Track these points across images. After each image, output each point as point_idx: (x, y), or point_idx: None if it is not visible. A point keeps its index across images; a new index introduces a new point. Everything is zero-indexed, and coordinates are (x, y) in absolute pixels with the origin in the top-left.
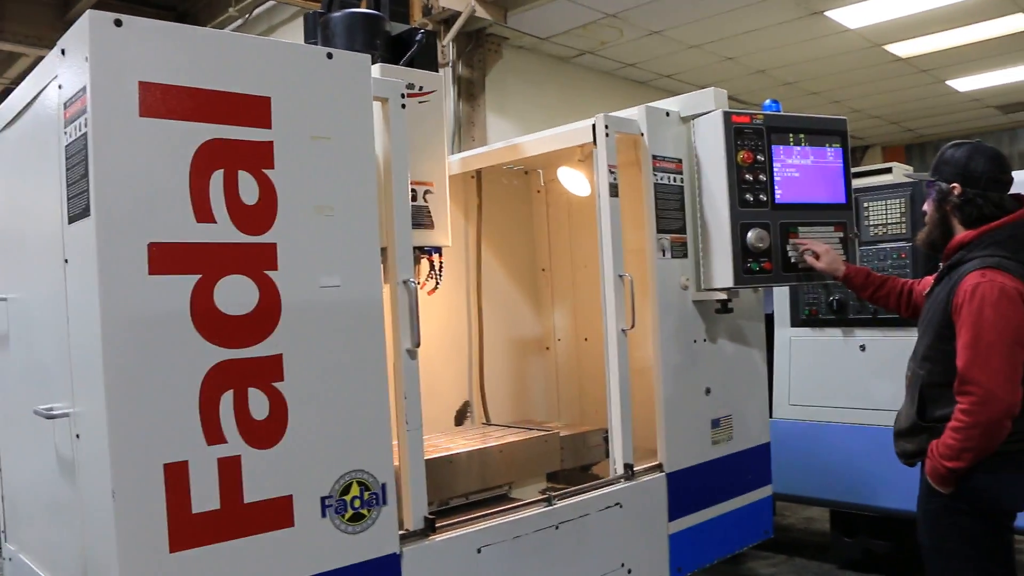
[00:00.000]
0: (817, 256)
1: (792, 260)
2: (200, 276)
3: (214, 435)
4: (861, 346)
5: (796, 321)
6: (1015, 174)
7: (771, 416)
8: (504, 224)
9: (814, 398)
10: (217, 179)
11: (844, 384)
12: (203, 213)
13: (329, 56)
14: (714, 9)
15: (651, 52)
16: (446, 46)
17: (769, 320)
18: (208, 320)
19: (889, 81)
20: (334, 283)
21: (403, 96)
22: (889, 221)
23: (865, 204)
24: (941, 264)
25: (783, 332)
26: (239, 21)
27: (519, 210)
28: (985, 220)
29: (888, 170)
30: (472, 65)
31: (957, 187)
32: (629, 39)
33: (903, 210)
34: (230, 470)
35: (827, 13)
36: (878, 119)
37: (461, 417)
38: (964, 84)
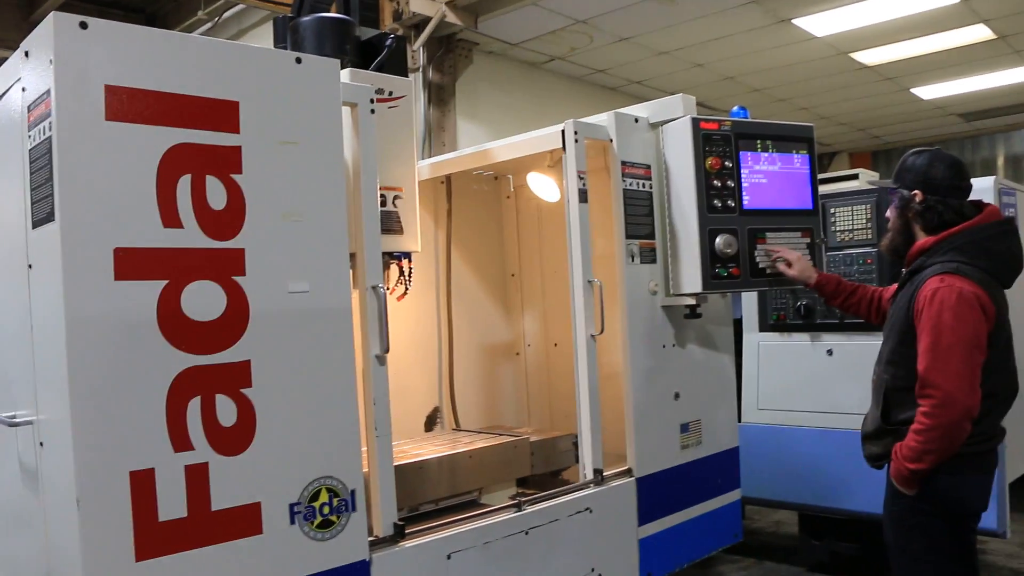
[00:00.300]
0: (789, 264)
1: (762, 267)
2: (167, 282)
3: (181, 442)
4: (828, 351)
5: (764, 326)
6: (975, 181)
7: (740, 420)
8: (474, 229)
9: (782, 402)
10: (184, 184)
11: (812, 388)
12: (170, 218)
13: (298, 61)
14: (683, 16)
15: (620, 58)
16: (416, 51)
17: (738, 325)
18: (175, 326)
19: (855, 88)
20: (302, 289)
21: (372, 101)
22: (855, 227)
23: (832, 210)
24: (904, 270)
25: (751, 337)
26: (208, 24)
27: (489, 215)
28: (946, 226)
29: (855, 176)
30: (442, 70)
31: (918, 194)
32: (599, 45)
33: (869, 216)
34: (197, 477)
35: (794, 21)
36: (845, 126)
37: (431, 423)
38: (928, 92)
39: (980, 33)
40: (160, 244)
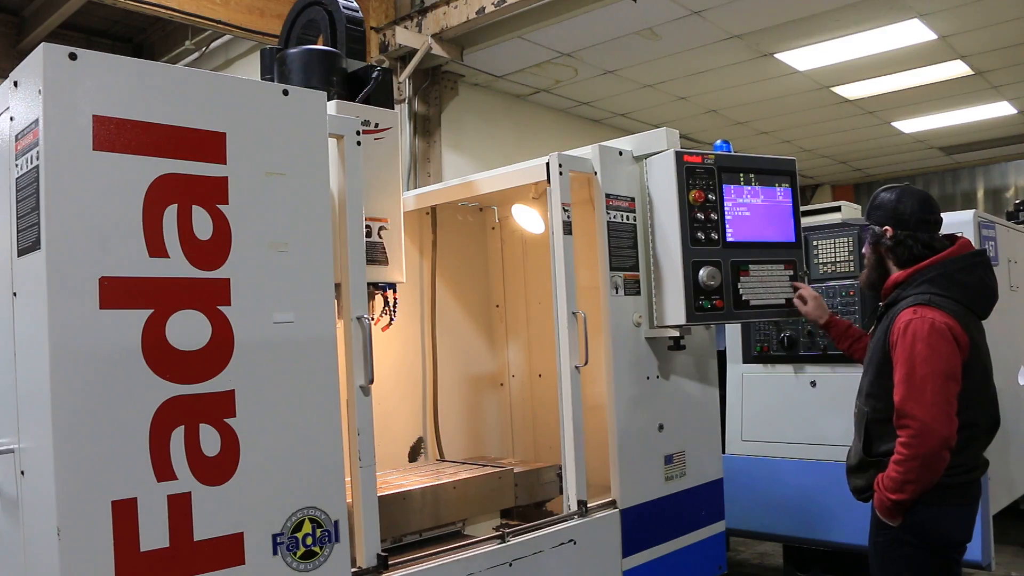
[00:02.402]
0: (804, 301)
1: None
2: (152, 311)
3: (164, 472)
4: (812, 382)
5: (748, 357)
6: (956, 215)
7: (724, 452)
8: (459, 260)
9: (766, 434)
10: (171, 214)
11: (795, 420)
12: (156, 248)
13: (285, 92)
14: (666, 50)
15: (605, 91)
16: (402, 83)
17: (721, 356)
18: (160, 355)
19: (837, 122)
20: (287, 319)
21: (358, 133)
22: (838, 259)
23: (814, 242)
24: (880, 304)
25: (735, 368)
26: (195, 55)
27: (474, 246)
28: (917, 260)
29: (837, 208)
30: (428, 102)
31: (888, 229)
32: (583, 78)
33: (851, 248)
34: (180, 507)
35: (776, 55)
36: (827, 158)
37: (415, 453)
38: (908, 126)
39: (958, 69)
40: (145, 273)
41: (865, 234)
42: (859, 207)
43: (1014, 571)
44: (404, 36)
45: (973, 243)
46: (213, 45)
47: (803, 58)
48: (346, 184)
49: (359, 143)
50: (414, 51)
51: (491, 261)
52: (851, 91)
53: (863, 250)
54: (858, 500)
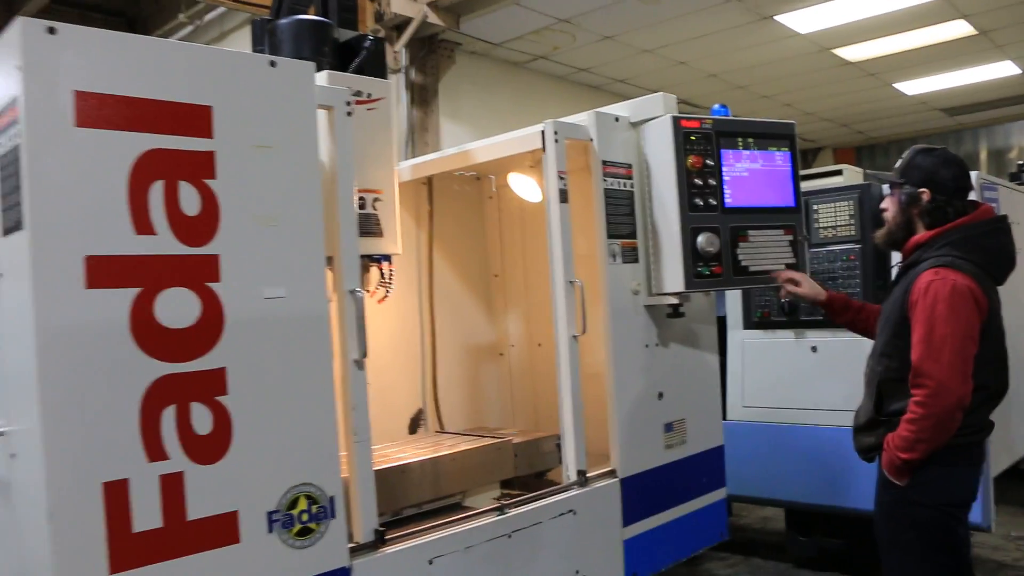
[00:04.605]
0: (797, 283)
1: (750, 271)
2: (140, 289)
3: (156, 451)
4: (813, 347)
5: (748, 323)
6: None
7: (725, 418)
8: (456, 230)
9: (767, 400)
10: (157, 190)
11: (797, 386)
12: (142, 225)
13: (272, 64)
14: (665, 15)
15: (604, 57)
16: (398, 52)
17: (722, 322)
18: (148, 334)
19: (838, 84)
20: (279, 294)
21: (349, 104)
22: (838, 223)
23: (814, 207)
24: (899, 264)
25: (736, 334)
26: (189, 27)
27: (471, 216)
28: (944, 224)
29: (839, 172)
30: (425, 71)
31: (926, 192)
32: (582, 44)
33: (852, 212)
34: (173, 487)
35: (776, 18)
36: (829, 121)
37: (415, 425)
38: (911, 87)
39: (961, 29)
40: (132, 251)
41: (895, 192)
42: (860, 171)
43: (1013, 531)
44: (399, 5)
45: None
46: (207, 18)
47: (804, 20)
48: (337, 156)
49: (349, 114)
50: (410, 20)
51: (489, 230)
52: (852, 53)
53: (883, 205)
54: (864, 459)
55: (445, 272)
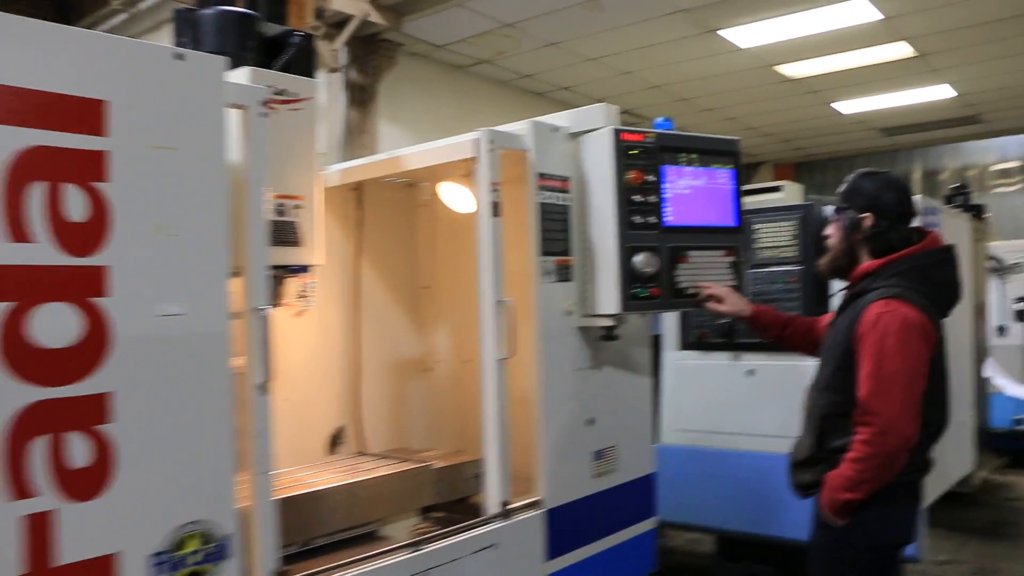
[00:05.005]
0: (720, 300)
1: (687, 290)
2: (13, 304)
3: (22, 488)
4: (750, 371)
5: (685, 344)
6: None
7: (657, 441)
8: (386, 239)
9: (701, 423)
10: (38, 193)
11: (732, 409)
12: (18, 231)
13: (178, 56)
14: (611, 23)
15: (548, 63)
16: (337, 50)
17: (657, 341)
18: (19, 354)
19: (780, 101)
20: (175, 311)
21: (264, 104)
22: (779, 244)
23: (756, 226)
24: (845, 292)
25: (671, 355)
26: (123, 15)
27: (402, 225)
28: (891, 252)
29: (778, 188)
30: (365, 71)
31: (869, 218)
32: (526, 50)
33: (795, 232)
34: (41, 527)
35: (720, 32)
36: (770, 137)
37: (335, 442)
38: (849, 106)
39: (901, 51)
40: (4, 261)
41: (838, 217)
42: (800, 187)
43: (942, 554)
44: (341, 2)
45: None
46: (142, 6)
47: (747, 35)
48: (249, 160)
49: (264, 115)
50: (351, 17)
51: (420, 241)
52: (794, 70)
53: (827, 231)
54: (801, 497)
55: (373, 283)
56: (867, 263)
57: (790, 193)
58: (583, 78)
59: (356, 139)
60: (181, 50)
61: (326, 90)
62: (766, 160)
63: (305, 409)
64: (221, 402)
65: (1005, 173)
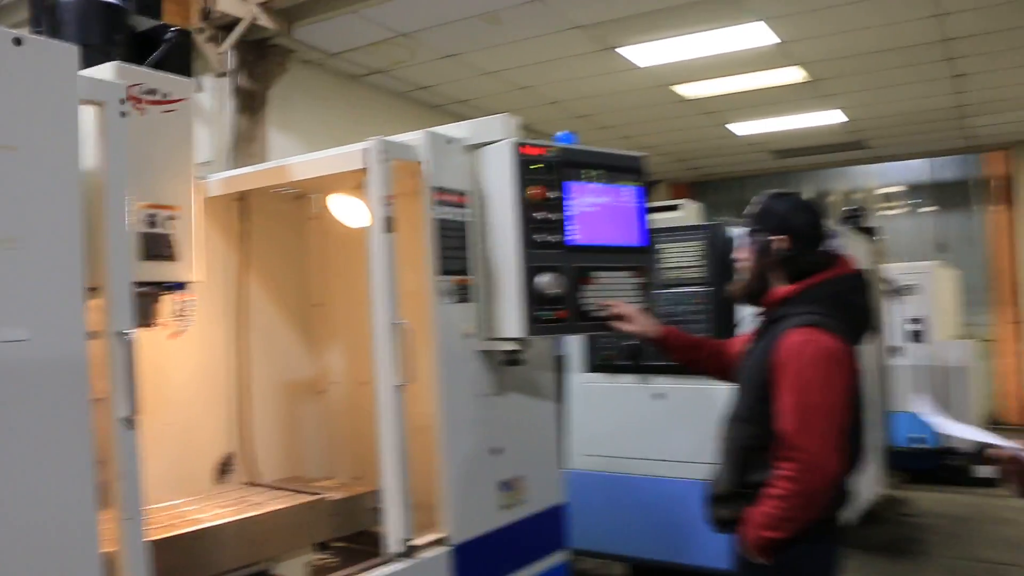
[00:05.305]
0: (626, 319)
1: (595, 314)
2: None
3: None
4: (658, 394)
5: (591, 366)
6: None
7: (566, 466)
8: (273, 253)
9: (609, 448)
10: None
11: (640, 434)
12: None
13: (17, 42)
14: (508, 37)
15: (445, 76)
16: (224, 54)
17: (561, 362)
18: None
19: (675, 120)
20: (18, 336)
21: (123, 102)
22: (685, 264)
23: (660, 245)
24: (761, 318)
25: (577, 377)
26: None
27: (290, 238)
28: (805, 275)
29: (675, 207)
30: (254, 77)
31: (782, 240)
32: (423, 61)
33: (702, 252)
34: None
35: (618, 50)
36: (666, 156)
37: (223, 471)
38: (743, 128)
39: (793, 75)
40: None
41: (749, 240)
42: (698, 205)
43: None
44: (227, 3)
45: None
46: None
47: (645, 54)
48: (107, 163)
49: (124, 113)
50: (238, 20)
51: (310, 255)
52: (690, 90)
53: (737, 255)
54: (718, 532)
55: (260, 300)
56: (783, 288)
57: (689, 212)
58: (481, 92)
59: (245, 148)
60: (20, 33)
61: (212, 95)
62: (662, 179)
63: (188, 435)
64: (79, 439)
65: (888, 197)
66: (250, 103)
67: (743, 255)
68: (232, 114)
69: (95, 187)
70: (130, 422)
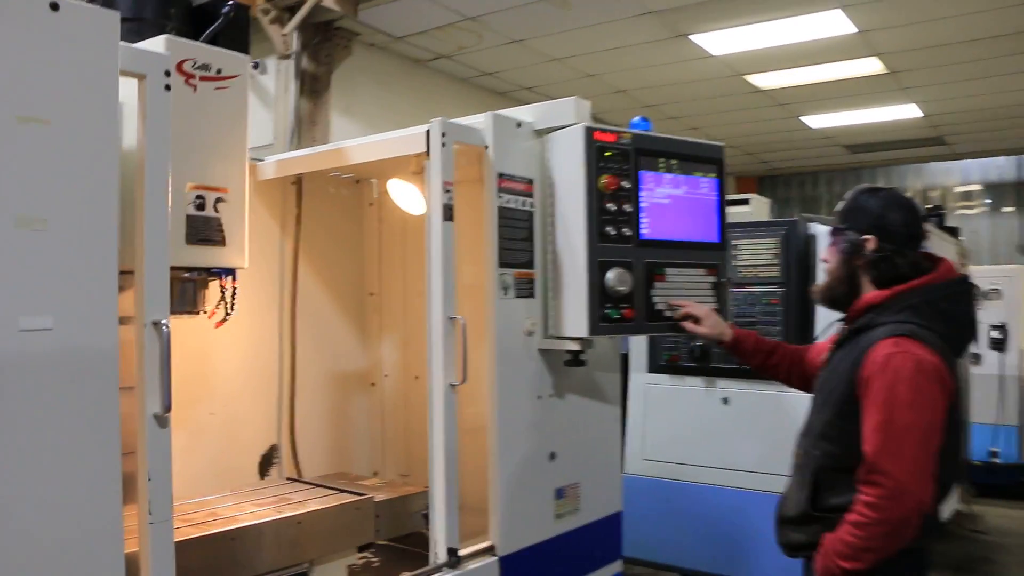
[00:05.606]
0: (698, 320)
1: (666, 314)
2: None
3: None
4: (724, 399)
5: (654, 367)
6: None
7: (622, 470)
8: (329, 240)
9: (670, 454)
10: None
11: (704, 440)
12: None
13: (54, 7)
14: (577, 22)
15: (511, 62)
16: (289, 36)
17: (623, 361)
18: None
19: (747, 112)
20: (43, 325)
21: (167, 74)
22: (760, 262)
23: (734, 242)
24: (844, 325)
25: (639, 378)
26: None
27: (347, 224)
28: (898, 280)
29: (745, 201)
30: (318, 59)
31: (872, 240)
32: (489, 46)
33: (777, 251)
34: None
35: (691, 37)
36: (735, 149)
37: (267, 465)
38: (817, 121)
39: (872, 67)
40: None
41: (837, 239)
42: (768, 201)
43: None
44: None
45: None
46: None
47: (719, 42)
48: (147, 139)
49: (168, 87)
50: (303, 1)
51: (367, 243)
52: (764, 81)
53: (823, 256)
54: (789, 557)
55: (312, 288)
56: (871, 293)
57: (757, 207)
58: (547, 78)
59: (307, 131)
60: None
61: (276, 78)
62: (730, 172)
63: (233, 427)
64: (107, 436)
65: (967, 196)
66: (313, 86)
67: (829, 256)
68: (295, 97)
69: (134, 165)
70: (162, 419)
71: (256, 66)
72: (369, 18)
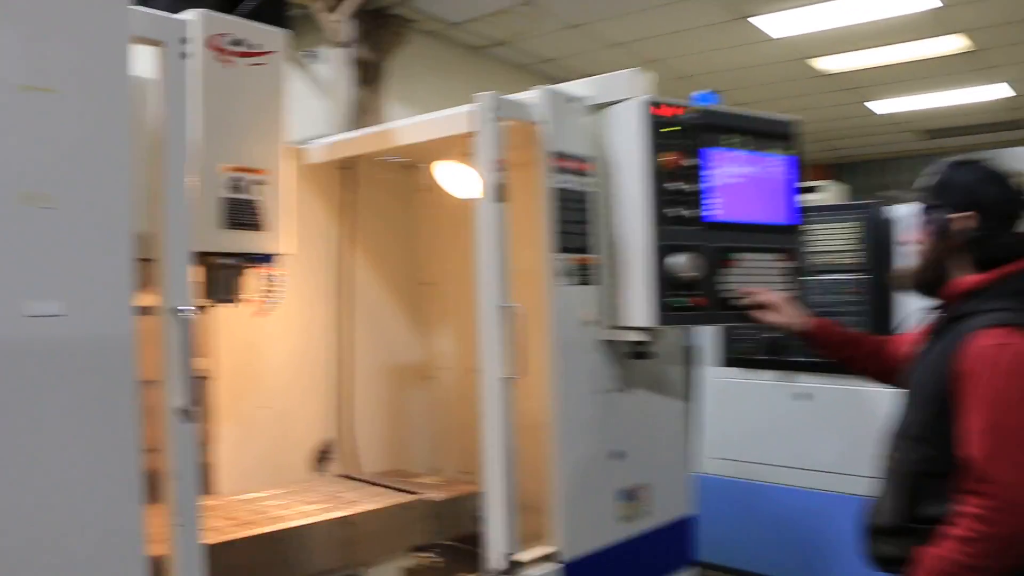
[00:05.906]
0: (774, 310)
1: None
2: None
3: None
4: (802, 394)
5: (725, 359)
6: None
7: (695, 469)
8: (380, 227)
9: (743, 452)
10: None
11: (780, 438)
12: None
13: None
14: (638, 5)
15: (569, 47)
16: (340, 22)
17: (693, 354)
18: None
19: (814, 97)
20: (51, 311)
21: (183, 42)
22: (839, 248)
23: (810, 226)
24: (941, 314)
25: (710, 372)
26: None
27: (400, 211)
28: (997, 263)
29: (818, 189)
30: (373, 47)
31: (970, 218)
32: (547, 31)
33: (859, 236)
34: None
35: (752, 19)
36: (802, 136)
37: (322, 459)
38: (887, 106)
39: (953, 44)
40: None
41: (926, 218)
42: (845, 187)
43: None
44: None
45: None
46: None
47: (780, 24)
48: (167, 112)
49: (184, 55)
50: None
51: (421, 229)
52: (830, 64)
53: (910, 238)
54: (879, 571)
55: (364, 276)
56: (969, 278)
57: (831, 196)
58: (608, 65)
59: (362, 120)
60: None
61: (330, 66)
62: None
63: (284, 421)
64: (123, 431)
65: None
66: (368, 74)
67: (919, 237)
68: (349, 85)
69: (153, 141)
70: (187, 414)
71: (311, 55)
72: (424, 4)
